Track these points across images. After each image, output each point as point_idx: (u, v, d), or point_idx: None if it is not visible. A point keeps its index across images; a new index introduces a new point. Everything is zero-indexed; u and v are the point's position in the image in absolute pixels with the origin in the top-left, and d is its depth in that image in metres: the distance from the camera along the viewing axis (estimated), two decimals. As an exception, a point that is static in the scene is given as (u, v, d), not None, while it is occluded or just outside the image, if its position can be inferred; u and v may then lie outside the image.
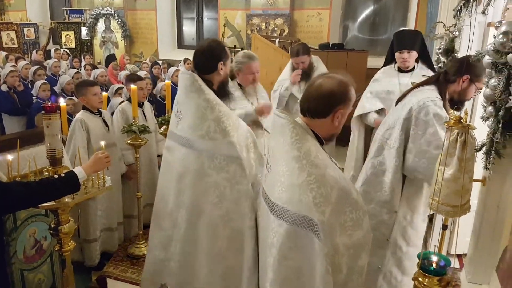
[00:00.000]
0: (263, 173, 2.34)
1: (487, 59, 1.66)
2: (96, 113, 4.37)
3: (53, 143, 2.63)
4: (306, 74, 5.17)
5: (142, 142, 4.31)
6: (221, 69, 2.94)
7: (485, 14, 2.01)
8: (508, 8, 2.04)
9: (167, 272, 3.07)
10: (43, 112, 2.59)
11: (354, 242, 2.05)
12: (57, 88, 7.73)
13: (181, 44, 14.38)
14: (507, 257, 1.79)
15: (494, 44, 1.47)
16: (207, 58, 2.90)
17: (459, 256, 4.47)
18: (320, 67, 5.40)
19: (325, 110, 2.11)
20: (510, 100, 1.50)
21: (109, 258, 4.63)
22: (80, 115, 4.26)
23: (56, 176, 2.48)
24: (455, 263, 4.33)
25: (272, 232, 2.15)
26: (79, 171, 2.58)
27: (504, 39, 1.43)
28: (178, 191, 2.92)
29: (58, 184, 2.46)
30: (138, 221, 4.75)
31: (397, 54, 4.30)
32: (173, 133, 3.00)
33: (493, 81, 1.70)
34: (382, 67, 4.69)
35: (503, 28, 1.49)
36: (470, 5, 2.21)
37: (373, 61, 9.32)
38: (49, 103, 2.62)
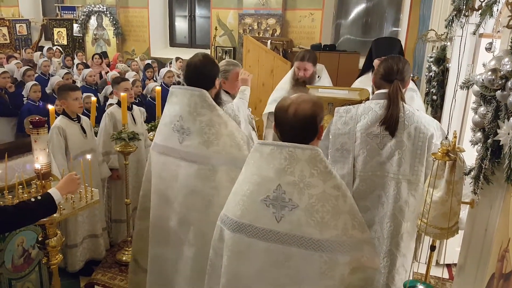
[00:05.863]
0: (266, 212, 1.99)
1: (475, 88, 1.65)
2: (75, 119, 4.30)
3: (40, 157, 2.60)
4: (305, 83, 4.64)
5: (131, 149, 4.29)
6: (218, 84, 3.10)
7: (475, 34, 2.00)
8: (499, 31, 2.04)
9: None
10: (31, 126, 2.56)
11: None
12: (48, 89, 7.72)
13: (173, 42, 14.30)
14: (494, 284, 1.79)
15: (483, 80, 1.45)
16: (206, 76, 2.97)
17: (448, 266, 4.48)
18: (324, 78, 4.97)
19: (315, 131, 2.06)
20: (499, 133, 1.49)
21: (97, 264, 4.62)
22: (58, 121, 4.20)
23: (32, 199, 2.43)
24: (444, 273, 4.35)
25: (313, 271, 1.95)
26: (54, 192, 2.52)
27: (493, 77, 1.42)
28: (185, 207, 2.90)
29: (35, 208, 2.42)
30: (127, 227, 4.74)
31: (376, 61, 4.08)
32: (173, 149, 2.94)
33: (482, 109, 1.69)
34: (358, 76, 4.57)
35: (492, 63, 1.48)
36: (462, 16, 2.20)
37: (365, 63, 9.31)
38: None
